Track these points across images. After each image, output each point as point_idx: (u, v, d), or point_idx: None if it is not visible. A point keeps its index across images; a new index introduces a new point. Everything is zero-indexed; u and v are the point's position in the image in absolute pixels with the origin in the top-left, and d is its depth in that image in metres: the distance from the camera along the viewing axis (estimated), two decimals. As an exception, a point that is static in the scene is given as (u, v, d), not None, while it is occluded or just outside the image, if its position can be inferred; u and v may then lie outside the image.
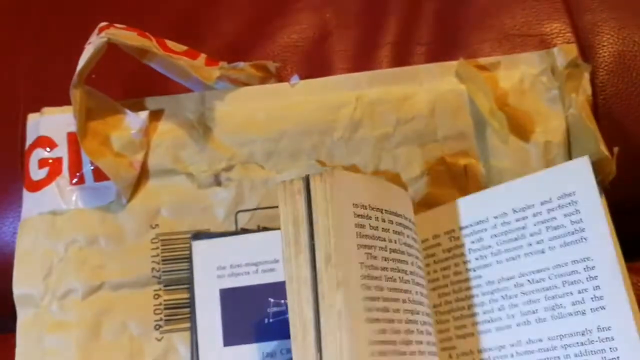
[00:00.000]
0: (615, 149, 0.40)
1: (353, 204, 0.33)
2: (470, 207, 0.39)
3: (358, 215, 0.34)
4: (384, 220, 0.35)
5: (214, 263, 0.42)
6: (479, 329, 0.38)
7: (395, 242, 0.35)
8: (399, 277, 0.34)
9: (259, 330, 0.40)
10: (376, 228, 0.34)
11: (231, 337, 0.40)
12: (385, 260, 0.34)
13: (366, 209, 0.34)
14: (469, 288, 0.39)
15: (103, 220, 0.43)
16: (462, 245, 0.39)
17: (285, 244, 0.33)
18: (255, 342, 0.40)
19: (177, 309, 0.42)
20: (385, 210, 0.35)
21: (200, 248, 0.42)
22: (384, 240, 0.34)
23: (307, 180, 0.33)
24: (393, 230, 0.35)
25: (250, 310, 0.40)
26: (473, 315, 0.38)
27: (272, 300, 0.40)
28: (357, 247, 0.33)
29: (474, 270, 0.39)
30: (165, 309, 0.42)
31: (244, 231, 0.43)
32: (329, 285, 0.32)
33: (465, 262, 0.39)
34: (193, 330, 0.41)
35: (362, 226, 0.34)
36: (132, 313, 0.42)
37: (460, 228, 0.39)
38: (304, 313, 0.31)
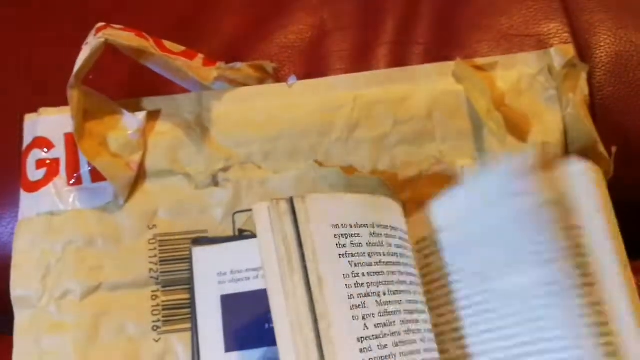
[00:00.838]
0: (614, 149, 0.40)
1: (332, 225, 0.34)
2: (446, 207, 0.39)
3: (339, 236, 0.34)
4: (364, 235, 0.35)
5: (215, 269, 0.41)
6: (469, 333, 0.38)
7: (381, 255, 0.35)
8: (388, 290, 0.34)
9: (260, 335, 0.40)
10: (359, 245, 0.34)
11: (232, 343, 0.40)
12: (371, 276, 0.34)
13: (346, 227, 0.34)
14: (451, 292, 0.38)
15: (100, 220, 0.43)
16: (439, 250, 0.39)
17: (278, 262, 0.33)
18: (256, 347, 0.40)
19: (175, 309, 0.42)
20: (366, 225, 0.35)
21: (200, 254, 0.42)
22: (368, 255, 0.34)
23: (291, 202, 0.33)
24: (377, 244, 0.35)
25: (251, 315, 0.40)
26: (461, 319, 0.38)
27: None
28: (342, 268, 0.33)
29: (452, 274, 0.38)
30: (163, 309, 0.42)
31: (241, 232, 0.43)
32: (324, 307, 0.32)
33: (444, 265, 0.39)
34: (194, 336, 0.41)
35: (344, 246, 0.34)
36: (129, 314, 0.42)
37: (438, 230, 0.39)
38: (304, 332, 0.31)
